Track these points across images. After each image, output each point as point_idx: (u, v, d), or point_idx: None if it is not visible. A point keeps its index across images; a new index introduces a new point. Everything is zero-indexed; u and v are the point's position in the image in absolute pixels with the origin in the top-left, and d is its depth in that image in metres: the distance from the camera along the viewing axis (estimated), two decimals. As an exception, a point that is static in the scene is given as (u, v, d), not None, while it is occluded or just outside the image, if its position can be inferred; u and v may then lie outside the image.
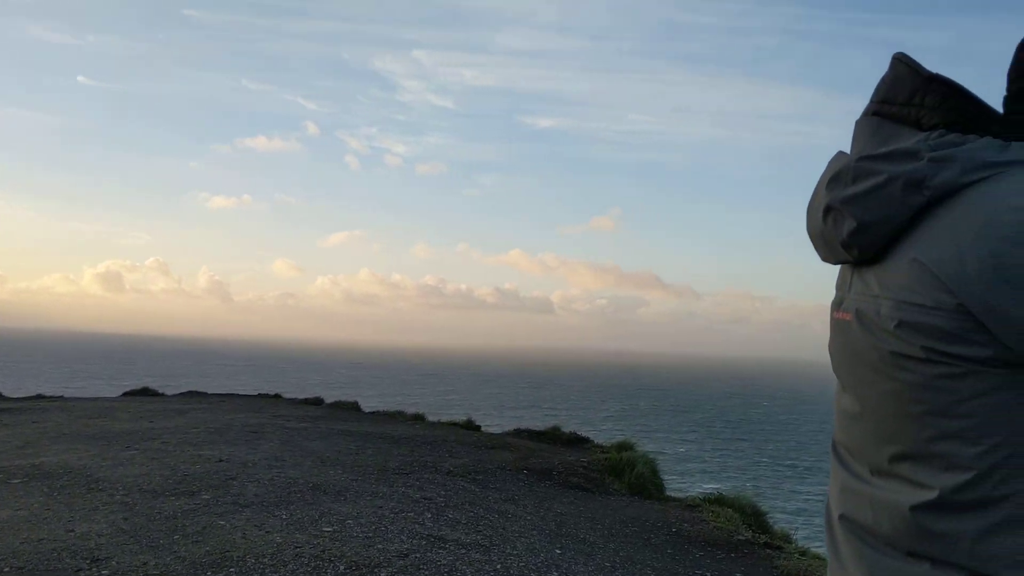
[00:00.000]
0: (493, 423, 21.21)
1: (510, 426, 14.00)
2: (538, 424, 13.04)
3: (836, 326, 1.24)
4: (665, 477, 9.99)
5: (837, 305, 1.24)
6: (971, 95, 1.12)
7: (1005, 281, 0.98)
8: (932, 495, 1.06)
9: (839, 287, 1.25)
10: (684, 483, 25.59)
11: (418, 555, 5.33)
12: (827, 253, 1.24)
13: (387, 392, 64.70)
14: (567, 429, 12.39)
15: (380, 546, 5.44)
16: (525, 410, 53.73)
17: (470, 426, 12.36)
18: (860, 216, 1.12)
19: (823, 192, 1.19)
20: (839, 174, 1.16)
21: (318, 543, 5.38)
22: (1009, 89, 1.20)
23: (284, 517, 6.03)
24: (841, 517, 1.22)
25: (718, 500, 8.71)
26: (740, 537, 6.88)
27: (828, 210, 1.17)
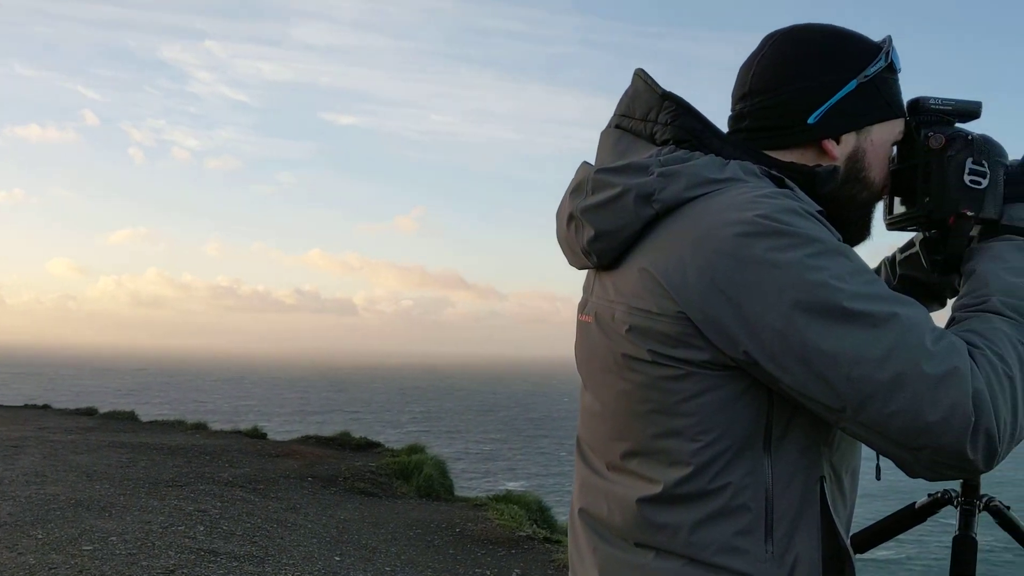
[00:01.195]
0: (286, 430, 20.62)
1: (308, 432, 13.66)
2: (338, 430, 12.78)
3: (580, 328, 1.28)
4: (467, 477, 10.12)
5: (582, 308, 1.28)
6: (699, 114, 1.19)
7: (718, 291, 1.04)
8: (656, 489, 1.11)
9: (585, 291, 1.29)
10: (488, 482, 25.94)
11: (185, 570, 5.09)
12: (572, 259, 1.28)
13: (174, 400, 61.21)
14: (361, 434, 12.25)
15: (144, 563, 5.17)
16: (325, 415, 52.60)
17: (255, 434, 11.93)
18: (597, 225, 1.16)
19: (567, 201, 1.23)
20: (580, 185, 1.20)
21: (76, 563, 5.06)
22: (732, 109, 1.28)
23: (40, 537, 5.63)
24: (580, 511, 1.26)
25: (505, 498, 8.90)
26: (522, 533, 7.05)
27: (571, 218, 1.21)
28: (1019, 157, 1.29)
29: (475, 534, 6.98)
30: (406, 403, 70.57)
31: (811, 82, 1.20)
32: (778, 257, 1.02)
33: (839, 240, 1.09)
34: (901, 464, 1.05)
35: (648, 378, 1.11)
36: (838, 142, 1.22)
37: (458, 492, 10.03)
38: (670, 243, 1.09)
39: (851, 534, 1.29)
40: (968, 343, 1.04)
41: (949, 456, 1.00)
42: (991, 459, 1.01)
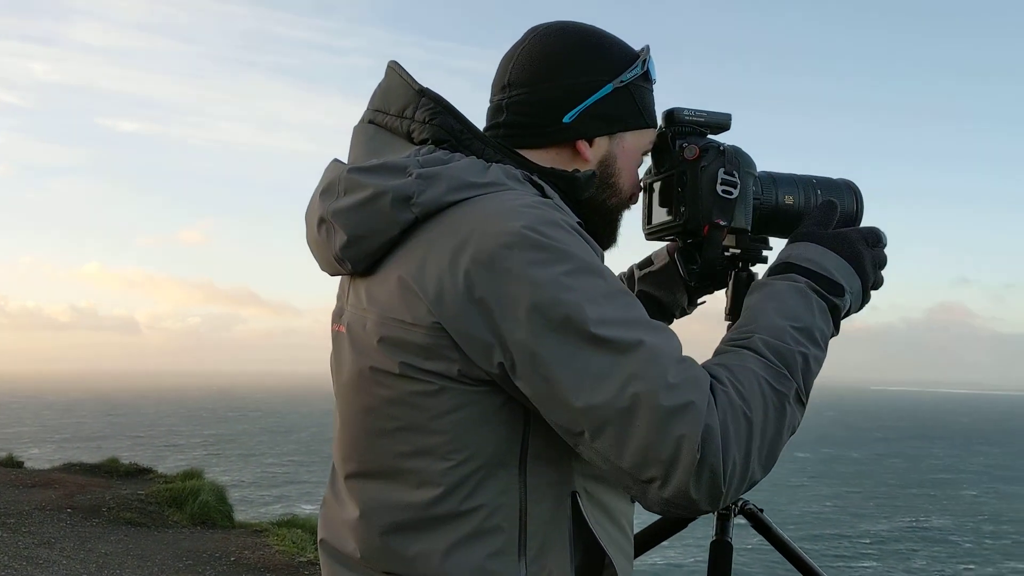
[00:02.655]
0: (56, 458, 18.94)
1: (76, 459, 12.58)
2: (120, 456, 11.84)
3: (333, 338, 1.21)
4: (262, 502, 9.68)
5: (337, 317, 1.21)
6: (458, 113, 1.15)
7: (475, 302, 1.00)
8: (405, 515, 1.07)
9: (339, 298, 1.22)
10: (282, 506, 25.00)
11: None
12: (324, 265, 1.20)
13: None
14: (135, 461, 11.44)
15: None
16: (102, 441, 48.80)
17: (10, 463, 10.86)
18: (351, 229, 1.10)
19: (317, 202, 1.16)
20: (331, 185, 1.13)
21: None
22: (491, 100, 1.25)
23: None
24: (322, 542, 1.20)
25: (288, 523, 8.59)
26: (303, 559, 6.84)
27: (322, 221, 1.14)
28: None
29: (251, 562, 6.69)
30: (195, 426, 66.87)
31: (569, 81, 1.19)
32: (535, 272, 1.00)
33: (598, 255, 1.09)
34: (634, 496, 1.03)
35: (397, 393, 1.06)
36: (591, 144, 1.22)
37: (246, 518, 9.61)
38: (428, 250, 1.05)
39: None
40: (714, 377, 1.03)
41: (674, 492, 0.98)
42: (716, 500, 0.99)
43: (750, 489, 1.05)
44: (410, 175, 1.07)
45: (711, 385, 1.01)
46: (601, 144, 1.23)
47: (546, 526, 1.08)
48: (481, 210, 1.05)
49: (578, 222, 1.10)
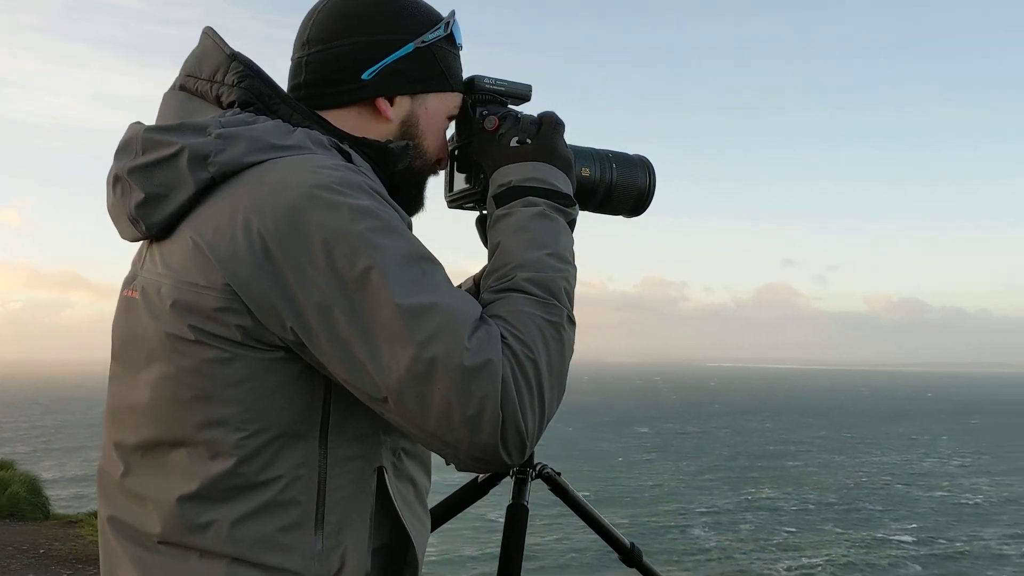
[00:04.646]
0: None
1: None
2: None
3: (123, 304, 1.16)
4: (92, 497, 9.05)
5: (129, 282, 1.16)
6: (267, 78, 1.14)
7: (267, 263, 0.99)
8: (196, 484, 1.04)
9: (133, 264, 1.18)
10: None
11: None
12: (122, 229, 1.15)
13: None
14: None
15: None
16: (-93, 436, 44.90)
17: None
18: (146, 187, 1.08)
19: (113, 161, 1.13)
20: (128, 144, 1.11)
21: None
22: (292, 58, 1.23)
23: None
24: (111, 519, 1.13)
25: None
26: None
27: (117, 180, 1.12)
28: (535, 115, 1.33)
29: (62, 554, 6.31)
30: (17, 419, 62.48)
31: (369, 37, 1.19)
32: (331, 233, 0.99)
33: (404, 221, 1.07)
34: (445, 458, 1.04)
35: (194, 361, 1.03)
36: (392, 104, 1.21)
37: (64, 511, 9.15)
38: (223, 211, 1.03)
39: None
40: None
41: (483, 450, 0.99)
42: (522, 451, 1.01)
43: (547, 426, 1.08)
44: (209, 134, 1.06)
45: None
46: (403, 104, 1.22)
47: (346, 501, 1.08)
48: (279, 171, 1.04)
49: (386, 191, 1.09)
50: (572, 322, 1.12)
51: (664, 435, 57.17)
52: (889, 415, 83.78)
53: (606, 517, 1.81)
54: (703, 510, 30.81)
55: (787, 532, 27.54)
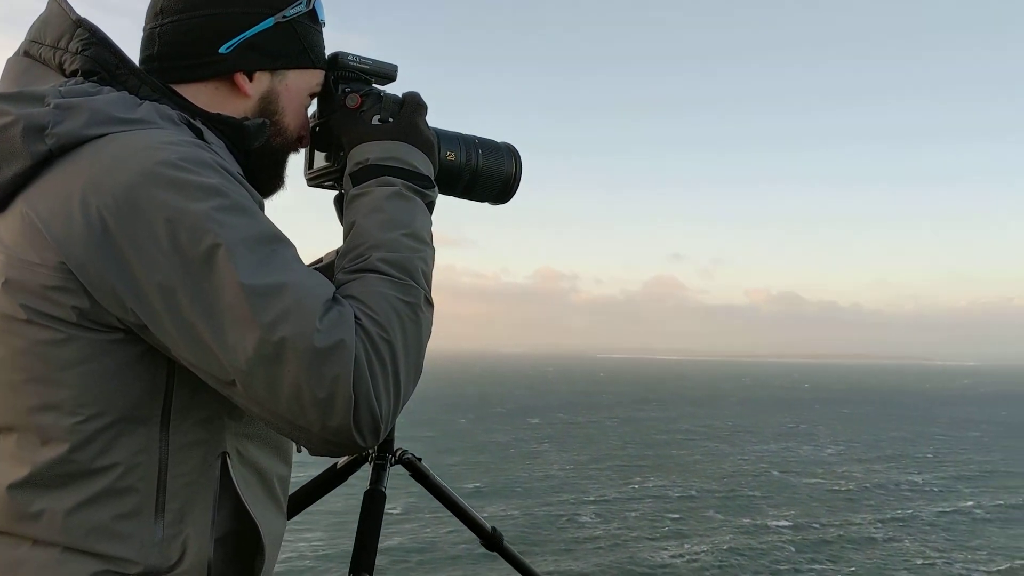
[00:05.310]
0: None
1: None
2: None
3: None
4: None
5: None
6: (115, 47, 1.09)
7: (106, 242, 0.95)
8: (26, 471, 1.01)
9: None
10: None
11: None
12: None
13: None
14: None
15: None
16: None
17: None
18: None
19: None
20: None
21: None
22: (144, 29, 1.18)
23: None
24: None
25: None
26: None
27: None
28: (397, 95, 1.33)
29: None
30: None
31: (227, 10, 1.14)
32: (175, 210, 0.95)
33: (255, 200, 1.05)
34: (297, 441, 1.02)
35: (26, 342, 1.00)
36: (251, 79, 1.18)
37: None
38: (60, 186, 0.99)
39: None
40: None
41: (336, 433, 0.97)
42: (376, 433, 1.00)
43: (403, 407, 1.07)
44: (47, 105, 1.01)
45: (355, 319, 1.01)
46: (262, 80, 1.19)
47: (189, 488, 1.05)
48: (122, 145, 1.00)
49: (239, 172, 1.07)
50: (430, 303, 1.12)
51: (555, 425, 57.78)
52: (769, 404, 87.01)
53: (467, 503, 1.83)
54: (592, 499, 31.33)
55: (672, 519, 28.31)
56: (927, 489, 35.26)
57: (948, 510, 30.69)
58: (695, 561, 23.31)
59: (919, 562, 23.55)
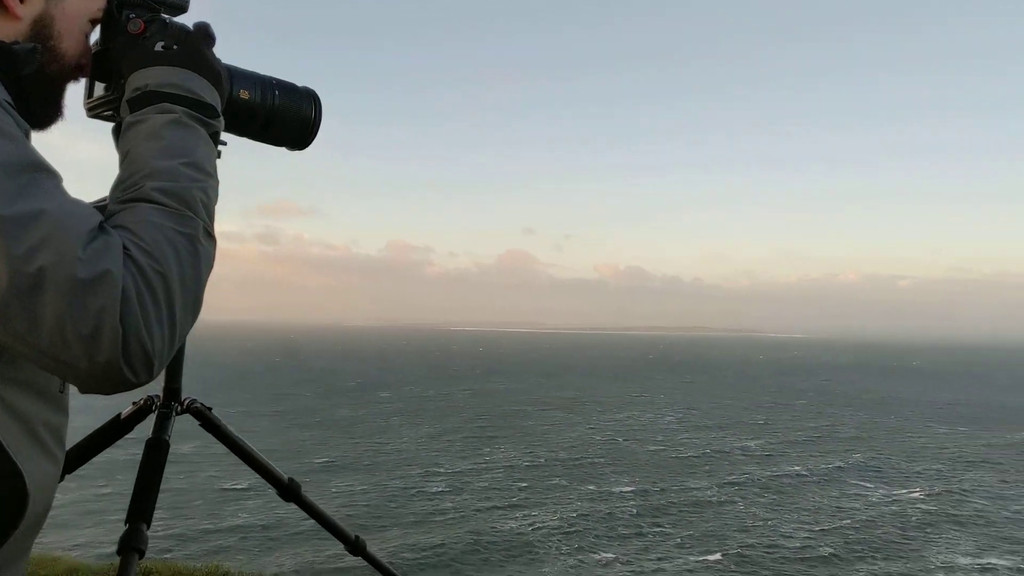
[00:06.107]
0: None
1: None
2: None
3: None
4: None
5: None
6: None
7: None
8: None
9: None
10: None
11: None
12: None
13: None
14: None
15: None
16: None
17: None
18: None
19: None
20: None
21: None
22: None
23: None
24: None
25: None
26: None
27: None
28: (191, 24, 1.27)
29: None
30: None
31: None
32: None
33: (21, 128, 0.99)
34: (64, 378, 0.97)
35: None
36: (22, 1, 1.10)
37: None
38: None
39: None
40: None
41: (104, 369, 0.92)
42: (149, 368, 0.95)
43: (182, 342, 1.03)
44: None
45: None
46: (35, 3, 1.12)
47: None
48: None
49: (7, 100, 1.01)
50: (210, 236, 1.08)
51: (406, 399, 57.91)
52: (615, 375, 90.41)
53: (263, 454, 1.81)
54: (442, 471, 31.60)
55: (521, 487, 28.95)
56: (759, 454, 37.67)
57: (778, 474, 32.94)
58: (542, 527, 24.00)
59: (751, 523, 25.14)
